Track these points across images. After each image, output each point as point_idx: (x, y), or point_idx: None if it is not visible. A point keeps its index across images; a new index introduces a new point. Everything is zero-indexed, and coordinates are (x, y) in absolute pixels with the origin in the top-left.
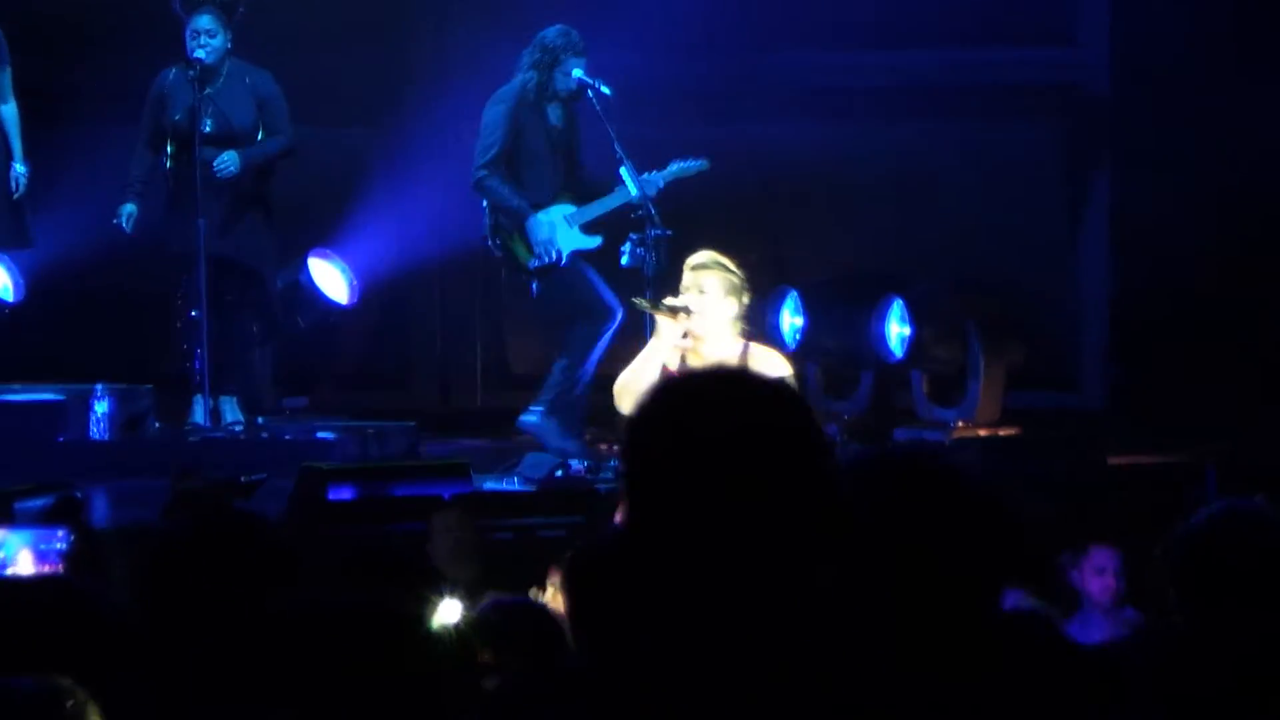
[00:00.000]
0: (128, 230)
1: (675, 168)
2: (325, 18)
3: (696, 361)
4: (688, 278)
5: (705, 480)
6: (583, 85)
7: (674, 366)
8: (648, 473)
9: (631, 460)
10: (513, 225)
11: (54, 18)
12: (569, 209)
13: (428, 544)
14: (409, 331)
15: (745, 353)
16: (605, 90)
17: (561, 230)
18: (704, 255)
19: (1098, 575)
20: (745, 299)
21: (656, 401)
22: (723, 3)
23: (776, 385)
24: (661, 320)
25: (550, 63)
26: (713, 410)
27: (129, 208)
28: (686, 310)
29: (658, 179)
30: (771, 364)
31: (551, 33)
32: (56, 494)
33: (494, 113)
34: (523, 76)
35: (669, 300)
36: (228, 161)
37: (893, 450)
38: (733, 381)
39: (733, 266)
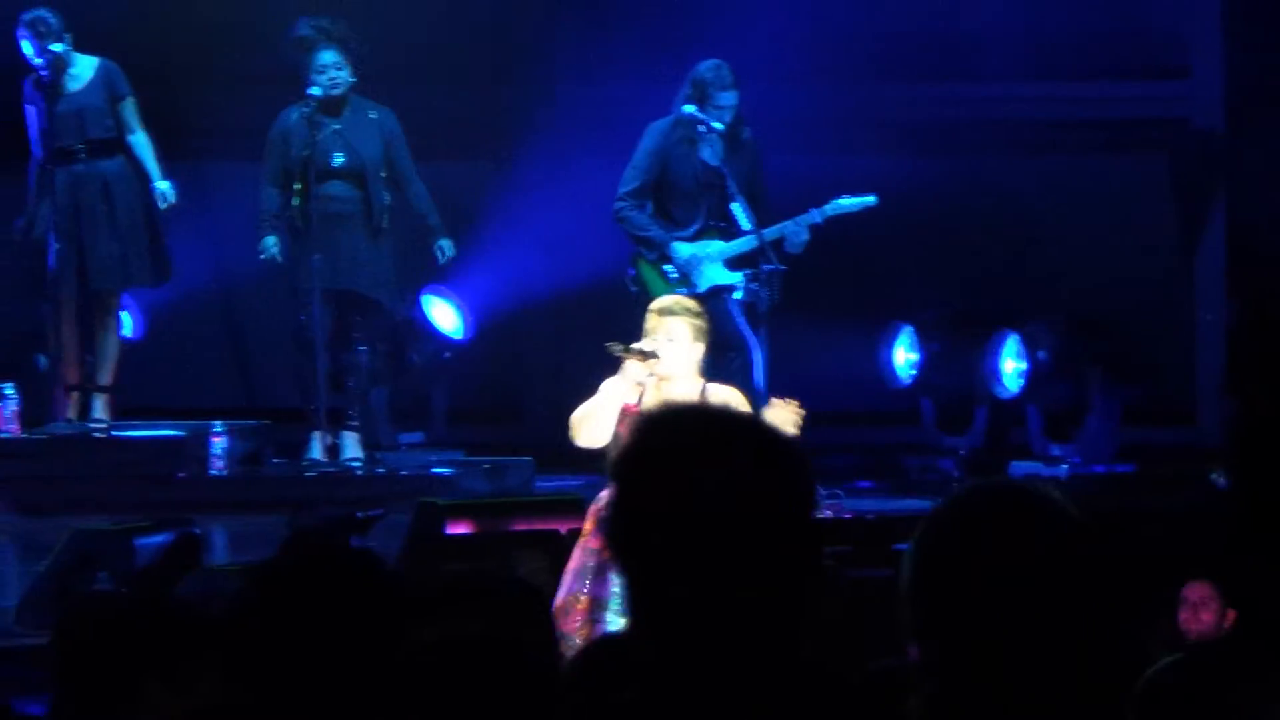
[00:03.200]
0: (279, 259)
1: (840, 204)
2: (440, 53)
3: (656, 399)
4: (654, 321)
5: (697, 523)
6: (693, 120)
7: (632, 403)
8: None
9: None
10: (655, 256)
11: (175, 53)
12: (716, 244)
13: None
14: (524, 365)
15: (704, 392)
16: (717, 126)
17: (705, 264)
18: (669, 300)
19: (1193, 611)
20: (707, 342)
21: (648, 439)
22: (836, 34)
23: (770, 429)
24: (629, 361)
25: (700, 98)
26: (710, 452)
27: (270, 239)
28: (655, 355)
29: (815, 215)
30: (731, 399)
31: (703, 67)
32: (176, 530)
33: (641, 146)
34: (675, 112)
35: (640, 344)
36: (447, 249)
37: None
38: (726, 422)
39: (698, 309)
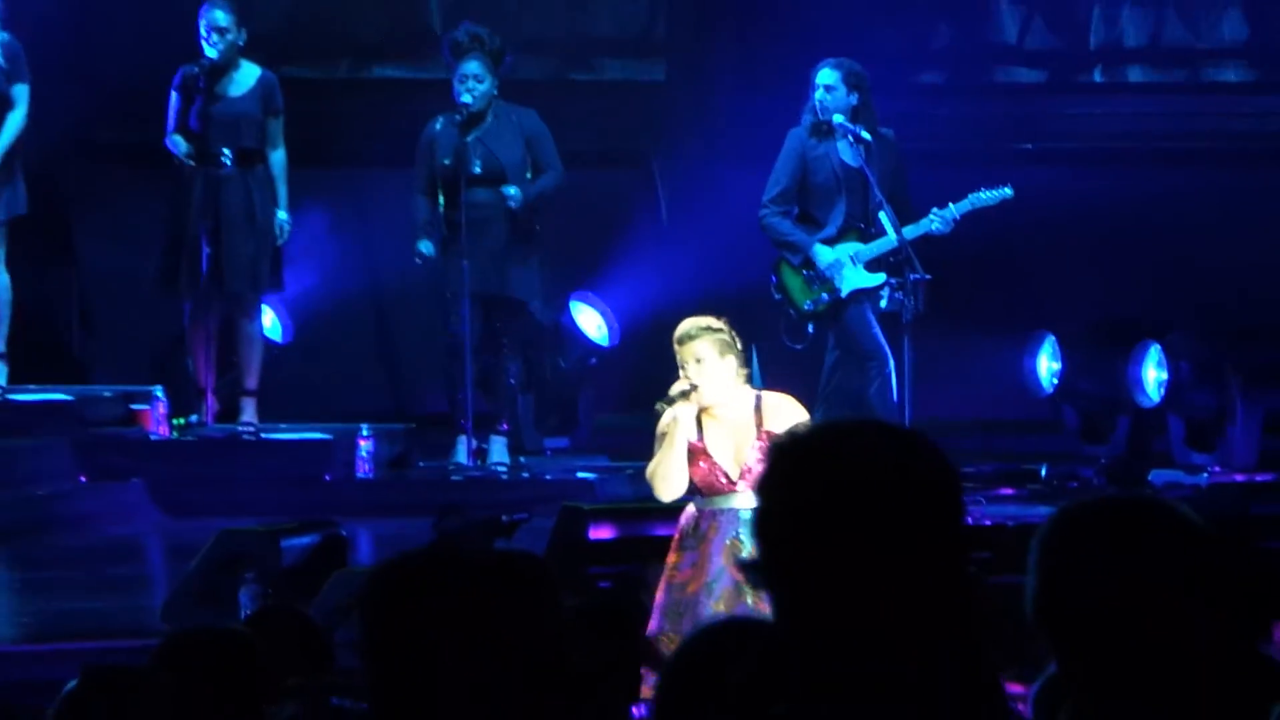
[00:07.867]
0: (430, 258)
1: (976, 198)
2: (590, 61)
3: (714, 425)
4: (678, 353)
5: (845, 539)
6: (843, 130)
7: (693, 437)
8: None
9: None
10: (799, 261)
11: (329, 60)
12: (856, 247)
13: (643, 593)
14: (669, 373)
15: (759, 404)
16: (866, 136)
17: (846, 267)
18: (684, 325)
19: None
20: (739, 347)
21: (787, 461)
22: (988, 48)
23: (913, 434)
24: (679, 405)
25: (863, 94)
26: (854, 463)
27: (424, 245)
28: (695, 387)
29: (953, 211)
30: (789, 410)
31: (849, 64)
32: (322, 532)
33: (783, 150)
34: (808, 113)
35: (675, 388)
36: (514, 197)
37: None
38: (866, 434)
39: (716, 323)
